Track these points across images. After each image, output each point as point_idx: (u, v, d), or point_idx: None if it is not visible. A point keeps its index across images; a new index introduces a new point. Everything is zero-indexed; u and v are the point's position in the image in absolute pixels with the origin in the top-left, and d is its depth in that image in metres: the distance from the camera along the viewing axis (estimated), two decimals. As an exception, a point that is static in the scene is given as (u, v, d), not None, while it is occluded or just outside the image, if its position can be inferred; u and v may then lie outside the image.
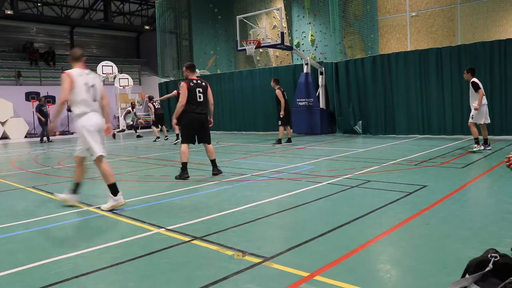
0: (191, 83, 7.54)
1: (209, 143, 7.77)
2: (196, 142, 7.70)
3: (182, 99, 7.47)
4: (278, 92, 12.18)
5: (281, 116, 12.16)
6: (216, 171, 7.77)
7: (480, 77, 12.34)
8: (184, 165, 7.49)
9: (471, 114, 9.47)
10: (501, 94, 12.17)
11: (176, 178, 7.49)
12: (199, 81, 7.67)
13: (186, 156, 7.53)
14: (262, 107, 17.90)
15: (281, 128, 12.45)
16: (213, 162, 7.81)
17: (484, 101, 9.39)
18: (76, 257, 3.72)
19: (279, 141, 12.45)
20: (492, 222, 4.29)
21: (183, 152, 7.53)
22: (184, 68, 7.90)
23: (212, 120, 7.95)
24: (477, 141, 9.38)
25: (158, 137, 16.37)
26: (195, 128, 7.61)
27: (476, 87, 9.30)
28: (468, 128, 12.60)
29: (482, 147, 9.33)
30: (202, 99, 7.59)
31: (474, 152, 9.17)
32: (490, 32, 16.08)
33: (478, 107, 9.24)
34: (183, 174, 7.49)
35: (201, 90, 7.60)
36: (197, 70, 22.43)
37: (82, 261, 3.63)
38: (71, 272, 3.37)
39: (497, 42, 12.35)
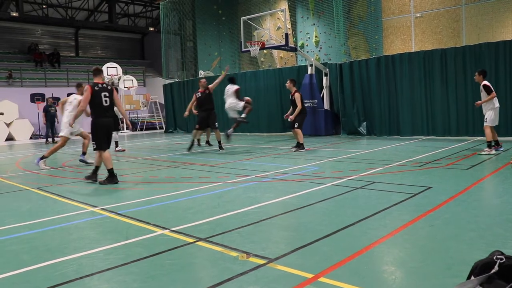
0: (95, 87, 7.44)
1: (108, 148, 7.69)
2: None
3: (84, 104, 7.46)
4: (297, 96, 11.15)
5: (290, 119, 11.31)
6: (92, 177, 7.65)
7: (485, 77, 12.33)
8: (111, 171, 7.45)
9: (485, 117, 9.31)
10: (506, 95, 12.11)
11: (103, 183, 7.39)
12: (104, 85, 7.58)
13: (110, 161, 7.49)
14: (266, 109, 17.89)
15: (299, 131, 11.23)
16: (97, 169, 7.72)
17: (497, 103, 9.27)
18: (80, 258, 3.73)
19: (301, 146, 11.27)
20: (498, 223, 4.26)
21: (106, 158, 7.46)
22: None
23: (130, 124, 7.74)
24: (489, 145, 9.24)
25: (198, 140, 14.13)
26: (106, 132, 7.61)
27: (489, 90, 9.13)
28: (473, 129, 12.71)
29: (493, 151, 9.19)
30: (108, 104, 7.53)
31: (482, 155, 9.03)
32: (495, 33, 16.03)
33: (480, 103, 9.21)
34: (113, 179, 7.45)
35: (107, 95, 7.51)
36: (201, 72, 22.47)
37: (87, 262, 3.64)
38: (76, 273, 3.37)
39: (502, 43, 12.29)
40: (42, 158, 9.99)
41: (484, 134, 9.25)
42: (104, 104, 7.47)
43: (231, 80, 13.28)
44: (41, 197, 6.61)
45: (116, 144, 13.63)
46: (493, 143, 9.35)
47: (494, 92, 9.19)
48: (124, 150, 13.44)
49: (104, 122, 7.51)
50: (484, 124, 9.37)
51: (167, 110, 23.67)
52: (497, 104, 9.28)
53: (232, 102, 12.84)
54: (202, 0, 24.41)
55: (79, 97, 9.58)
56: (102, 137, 7.53)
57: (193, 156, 11.23)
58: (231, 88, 12.95)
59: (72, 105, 9.79)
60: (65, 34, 30.76)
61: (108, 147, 7.61)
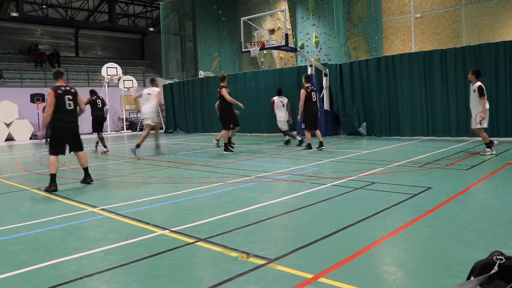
0: (58, 91, 7.10)
1: (81, 150, 7.54)
2: (68, 151, 7.45)
3: (49, 109, 7.03)
4: (302, 91, 11.13)
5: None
6: (87, 179, 7.59)
7: (485, 78, 12.31)
8: (53, 177, 6.97)
9: (478, 121, 9.15)
10: (506, 95, 12.11)
11: (45, 190, 6.96)
12: (67, 88, 7.27)
13: (55, 167, 7.06)
14: (266, 109, 17.85)
15: (306, 132, 11.17)
16: (85, 170, 7.61)
17: (487, 105, 9.18)
18: (80, 259, 3.73)
19: (308, 146, 11.25)
20: (498, 224, 4.26)
21: (52, 163, 7.10)
22: None
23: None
24: (488, 145, 9.15)
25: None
26: (64, 138, 7.26)
27: (481, 92, 9.01)
28: (472, 130, 12.69)
29: (494, 151, 9.15)
30: (72, 107, 7.22)
31: (485, 155, 8.96)
32: (495, 33, 16.04)
33: (483, 116, 9.00)
34: (51, 186, 6.94)
35: (70, 98, 7.19)
36: (201, 72, 22.49)
37: (86, 262, 3.64)
38: (75, 274, 3.38)
39: (502, 43, 12.30)
40: (137, 146, 11.25)
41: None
42: (68, 107, 7.15)
43: (279, 92, 13.83)
44: (41, 198, 6.61)
45: (96, 144, 13.44)
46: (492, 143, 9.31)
47: (485, 97, 9.04)
48: (106, 152, 13.06)
49: (64, 126, 7.18)
50: (478, 127, 9.19)
51: (167, 110, 23.65)
52: (487, 106, 9.18)
53: (282, 116, 13.53)
54: (202, 0, 24.44)
55: (156, 88, 11.54)
56: (58, 142, 7.21)
57: (193, 157, 11.24)
58: (283, 100, 13.61)
59: (153, 96, 11.43)
60: (65, 35, 30.77)
61: (63, 153, 7.30)
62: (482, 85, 9.14)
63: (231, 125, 11.55)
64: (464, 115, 12.81)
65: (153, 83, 11.84)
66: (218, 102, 12.22)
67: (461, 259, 3.35)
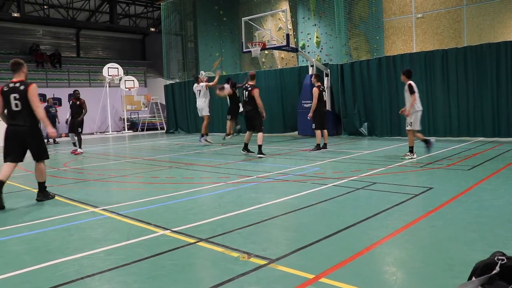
0: (5, 87, 5.99)
1: (40, 159, 6.28)
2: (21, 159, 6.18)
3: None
4: (314, 90, 10.97)
5: (309, 117, 11.06)
6: (40, 197, 6.31)
7: (487, 78, 12.33)
8: (1, 183, 5.87)
9: (408, 122, 8.99)
10: (507, 95, 12.09)
11: None
12: (17, 85, 5.96)
13: (4, 174, 5.95)
14: (267, 109, 17.76)
15: (317, 132, 11.08)
16: (40, 185, 6.34)
17: (420, 107, 9.02)
18: (81, 259, 3.73)
19: (317, 147, 11.10)
20: (499, 224, 4.26)
21: (3, 168, 6.01)
22: None
23: (53, 131, 6.38)
24: (411, 150, 9.02)
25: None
26: (13, 144, 6.06)
27: (411, 90, 8.81)
28: (474, 130, 12.70)
29: (415, 156, 8.98)
30: (19, 108, 5.94)
31: (405, 159, 8.83)
32: (496, 34, 16.00)
33: (409, 113, 8.84)
34: None
35: (17, 97, 5.91)
36: (202, 73, 22.51)
37: (88, 263, 3.64)
38: (77, 274, 3.38)
39: (504, 43, 12.27)
40: (202, 135, 13.69)
41: (483, 135, 9.21)
42: (14, 108, 5.95)
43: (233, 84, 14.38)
44: (42, 198, 6.60)
45: (74, 144, 13.38)
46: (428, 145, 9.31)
47: (416, 93, 8.86)
48: (79, 153, 12.84)
49: (11, 131, 6.04)
50: (407, 129, 9.08)
51: (168, 110, 23.70)
52: (420, 108, 8.99)
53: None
54: (203, 0, 24.43)
55: (203, 84, 14.19)
56: (7, 147, 6.08)
57: (194, 157, 11.24)
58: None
59: (203, 91, 14.01)
60: (66, 35, 30.80)
61: (15, 160, 6.07)
62: (412, 83, 8.96)
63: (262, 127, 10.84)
64: (465, 115, 12.80)
65: (198, 79, 14.44)
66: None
67: (462, 260, 3.35)
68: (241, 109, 12.60)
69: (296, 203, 5.50)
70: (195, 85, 14.47)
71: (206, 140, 14.17)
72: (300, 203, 5.50)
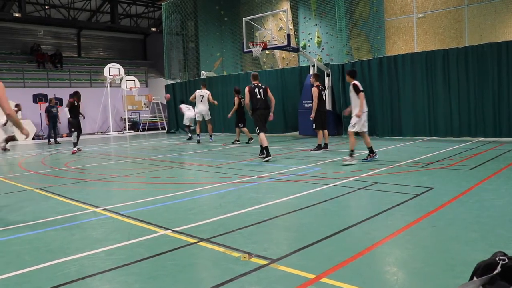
0: None
1: None
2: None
3: None
4: (313, 90, 10.87)
5: (311, 118, 10.92)
6: None
7: (488, 78, 12.31)
8: None
9: (352, 123, 8.66)
10: (509, 95, 12.07)
11: None
12: None
13: None
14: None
15: (318, 132, 11.08)
16: None
17: (366, 108, 8.68)
18: (82, 259, 3.73)
19: (318, 147, 11.04)
20: (500, 224, 4.25)
21: None
22: None
23: (26, 132, 5.63)
24: (351, 153, 8.56)
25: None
26: None
27: (357, 89, 8.49)
28: (475, 130, 12.69)
29: (354, 161, 8.51)
30: None
31: (345, 165, 8.35)
32: (497, 33, 15.99)
33: (360, 114, 8.51)
34: None
35: None
36: (203, 73, 22.49)
37: (88, 263, 3.64)
38: (77, 274, 3.38)
39: (505, 43, 12.25)
40: (210, 136, 15.77)
41: (484, 135, 9.14)
42: None
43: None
44: (44, 198, 6.61)
45: (74, 145, 13.41)
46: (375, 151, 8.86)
47: (362, 93, 8.57)
48: (75, 152, 13.17)
49: None
50: (349, 130, 8.77)
51: (169, 110, 23.70)
52: (365, 108, 8.66)
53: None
54: (204, 0, 24.46)
55: (206, 91, 15.11)
56: None
57: (195, 157, 11.24)
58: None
59: (206, 97, 14.94)
60: (67, 35, 30.82)
61: None
62: (357, 82, 8.71)
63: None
64: (466, 115, 12.78)
65: (203, 84, 15.21)
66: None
67: (463, 260, 3.34)
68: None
69: (297, 203, 5.50)
70: (200, 90, 15.18)
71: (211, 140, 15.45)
72: (301, 203, 5.50)
